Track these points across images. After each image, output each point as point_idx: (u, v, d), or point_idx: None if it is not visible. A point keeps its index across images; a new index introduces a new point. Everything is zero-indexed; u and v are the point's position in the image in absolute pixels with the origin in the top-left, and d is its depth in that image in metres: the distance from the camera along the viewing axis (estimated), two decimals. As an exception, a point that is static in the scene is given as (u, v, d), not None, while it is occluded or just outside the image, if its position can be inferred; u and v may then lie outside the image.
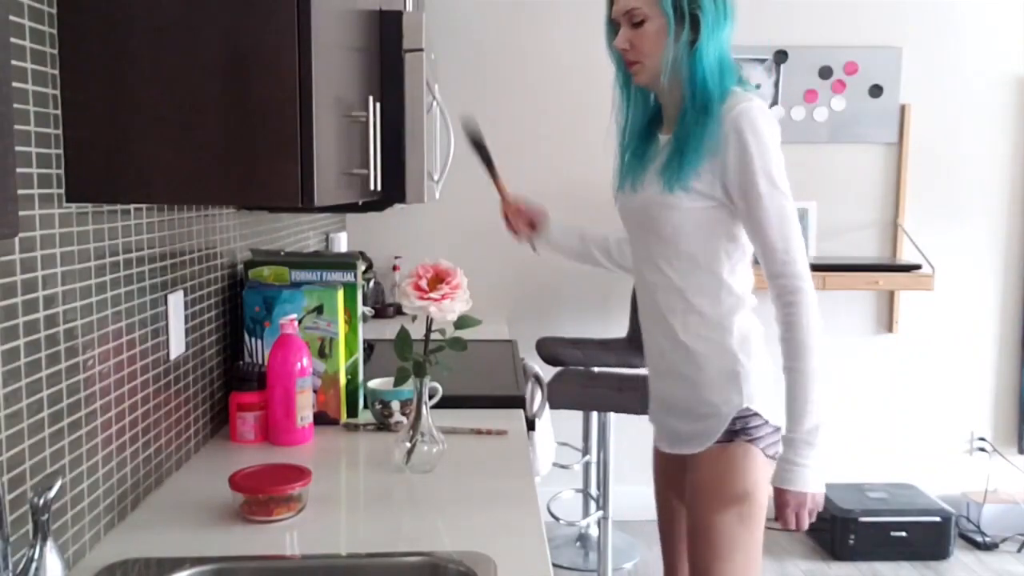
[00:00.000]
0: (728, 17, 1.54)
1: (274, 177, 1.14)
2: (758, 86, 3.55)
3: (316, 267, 1.88)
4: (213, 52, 1.12)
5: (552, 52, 3.53)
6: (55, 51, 1.12)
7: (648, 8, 1.52)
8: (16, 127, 1.03)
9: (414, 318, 1.52)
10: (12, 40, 1.02)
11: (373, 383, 1.88)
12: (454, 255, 3.77)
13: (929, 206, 3.65)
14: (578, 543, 3.48)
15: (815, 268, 3.33)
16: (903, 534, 3.38)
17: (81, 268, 1.19)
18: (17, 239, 1.04)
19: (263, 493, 1.34)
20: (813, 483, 1.50)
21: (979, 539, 3.54)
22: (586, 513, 3.47)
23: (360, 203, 1.77)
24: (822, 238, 3.62)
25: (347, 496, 1.49)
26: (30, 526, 1.06)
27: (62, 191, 1.14)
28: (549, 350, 3.12)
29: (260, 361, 1.83)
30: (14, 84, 1.02)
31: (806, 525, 1.52)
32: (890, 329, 3.73)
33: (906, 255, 3.63)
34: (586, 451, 3.41)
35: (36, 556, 0.93)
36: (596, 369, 3.10)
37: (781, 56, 3.56)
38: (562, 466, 3.17)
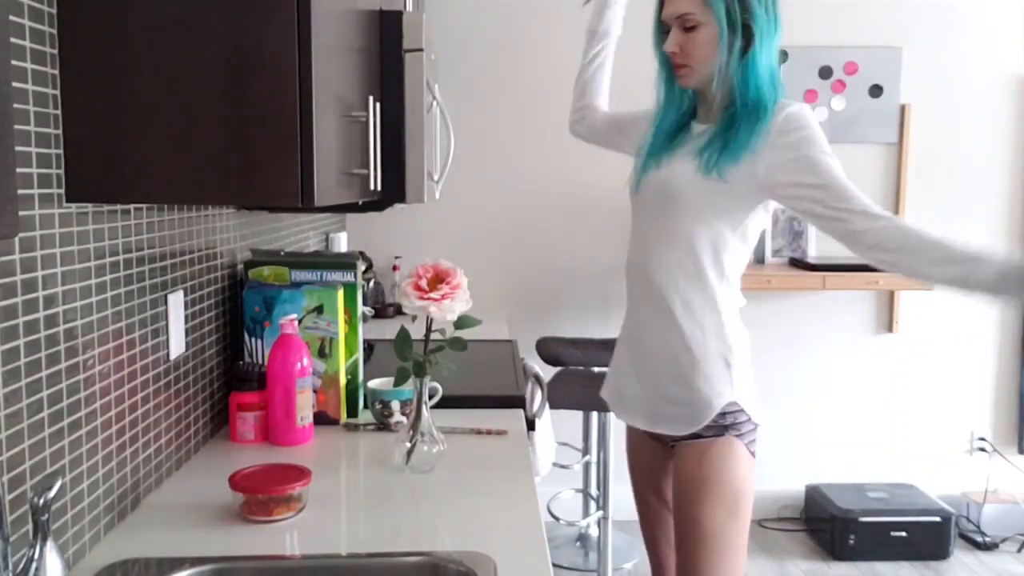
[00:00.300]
0: (778, 27, 1.58)
1: (274, 177, 1.14)
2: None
3: (316, 267, 1.88)
4: (213, 52, 1.12)
5: (552, 52, 3.53)
6: (55, 51, 1.11)
7: (702, 15, 1.55)
8: (16, 127, 1.03)
9: (414, 318, 1.52)
10: (12, 40, 1.02)
11: (373, 383, 1.88)
12: (454, 255, 3.77)
13: (929, 206, 3.65)
14: (578, 543, 3.48)
15: (815, 268, 3.38)
16: (903, 534, 3.38)
17: (81, 268, 1.19)
18: (17, 239, 1.04)
19: (263, 493, 1.34)
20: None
21: (979, 539, 3.54)
22: (586, 513, 3.48)
23: (360, 203, 1.77)
24: (822, 238, 3.62)
25: (347, 496, 1.49)
26: (30, 526, 1.06)
27: (62, 191, 1.14)
28: (549, 350, 3.12)
29: (260, 361, 1.83)
30: (14, 84, 1.02)
31: None
32: (890, 329, 3.73)
33: (906, 255, 3.62)
34: (586, 451, 3.41)
35: (36, 556, 0.94)
36: (596, 369, 3.10)
37: (781, 56, 3.55)
38: (562, 466, 3.16)
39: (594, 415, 3.31)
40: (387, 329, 2.93)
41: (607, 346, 3.32)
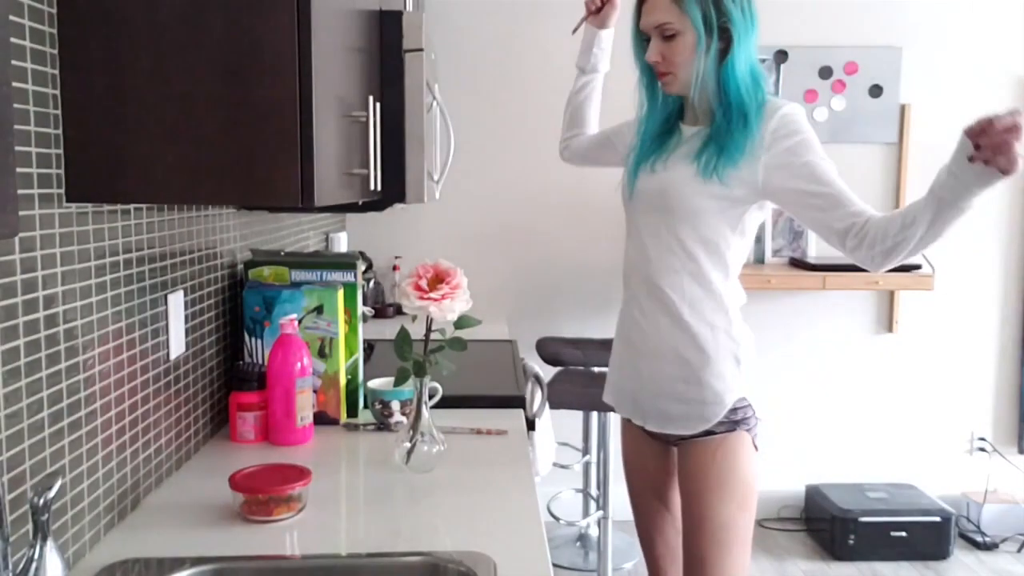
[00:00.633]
0: (755, 26, 1.59)
1: (274, 177, 1.14)
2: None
3: (316, 267, 1.88)
4: (213, 52, 1.12)
5: (552, 52, 3.53)
6: (55, 51, 1.11)
7: (679, 23, 1.57)
8: (16, 127, 1.03)
9: (414, 318, 1.52)
10: (12, 40, 1.02)
11: (373, 383, 1.88)
12: (454, 255, 3.76)
13: (929, 206, 3.65)
14: (578, 543, 3.48)
15: (815, 268, 3.38)
16: (903, 534, 3.38)
17: (81, 268, 1.19)
18: (17, 239, 1.04)
19: (263, 493, 1.34)
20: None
21: (979, 539, 3.54)
22: (586, 513, 3.48)
23: (360, 203, 1.77)
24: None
25: (347, 496, 1.49)
26: (30, 526, 1.06)
27: (62, 191, 1.14)
28: (549, 350, 3.12)
29: (260, 361, 1.83)
30: (14, 84, 1.02)
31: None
32: (890, 329, 3.73)
33: (906, 255, 3.63)
34: (586, 451, 3.41)
35: (36, 556, 0.93)
36: (596, 369, 3.10)
37: (781, 56, 3.56)
38: (562, 466, 3.16)
39: (594, 415, 3.31)
40: (387, 329, 2.93)
41: (607, 346, 3.30)
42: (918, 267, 3.42)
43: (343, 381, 1.87)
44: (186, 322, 1.59)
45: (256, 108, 1.12)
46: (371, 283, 3.40)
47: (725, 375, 1.62)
